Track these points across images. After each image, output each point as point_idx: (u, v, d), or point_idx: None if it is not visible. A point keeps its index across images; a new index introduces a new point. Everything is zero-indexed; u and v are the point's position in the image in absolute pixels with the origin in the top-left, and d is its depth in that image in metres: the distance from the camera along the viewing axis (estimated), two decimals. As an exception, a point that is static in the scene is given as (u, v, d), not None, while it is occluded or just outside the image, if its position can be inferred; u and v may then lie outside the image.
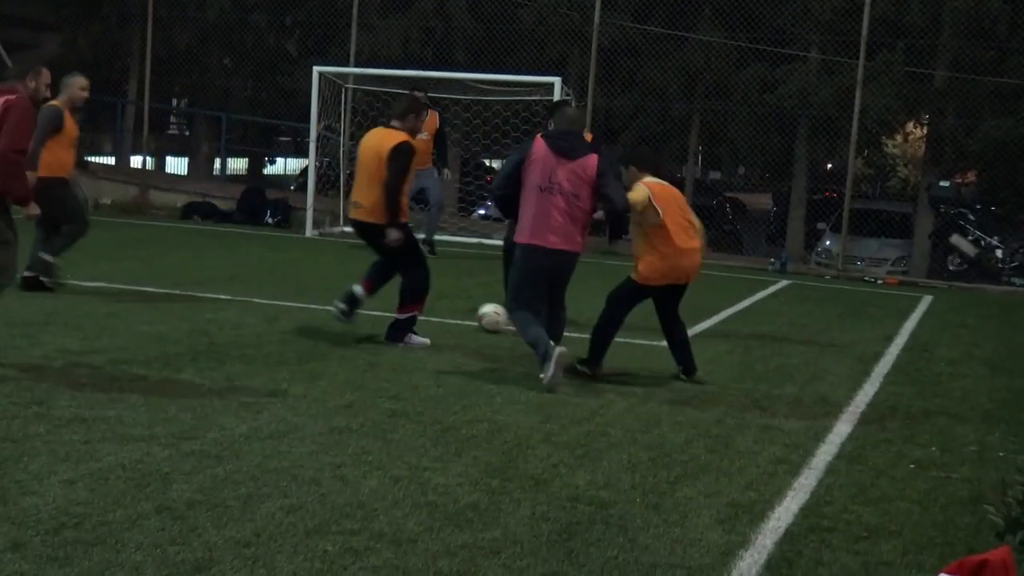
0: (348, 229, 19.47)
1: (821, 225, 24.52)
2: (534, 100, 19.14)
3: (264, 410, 7.01)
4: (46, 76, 8.42)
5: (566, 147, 8.43)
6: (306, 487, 5.57)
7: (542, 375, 8.15)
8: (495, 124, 20.79)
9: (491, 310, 10.42)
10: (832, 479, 6.45)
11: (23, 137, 7.66)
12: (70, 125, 11.12)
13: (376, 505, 5.39)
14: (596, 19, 19.92)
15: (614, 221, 8.87)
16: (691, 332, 11.07)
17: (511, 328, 9.44)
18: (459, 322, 10.81)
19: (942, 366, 10.46)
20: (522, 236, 8.46)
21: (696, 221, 8.94)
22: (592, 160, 8.42)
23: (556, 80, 17.91)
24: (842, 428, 7.71)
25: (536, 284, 8.55)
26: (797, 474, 6.49)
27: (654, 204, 8.55)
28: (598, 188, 8.41)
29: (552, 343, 8.22)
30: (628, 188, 8.70)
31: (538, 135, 8.69)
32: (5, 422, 6.33)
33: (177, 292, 11.49)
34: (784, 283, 16.65)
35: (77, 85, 11.22)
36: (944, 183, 22.02)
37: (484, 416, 7.28)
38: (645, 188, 8.63)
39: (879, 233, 22.25)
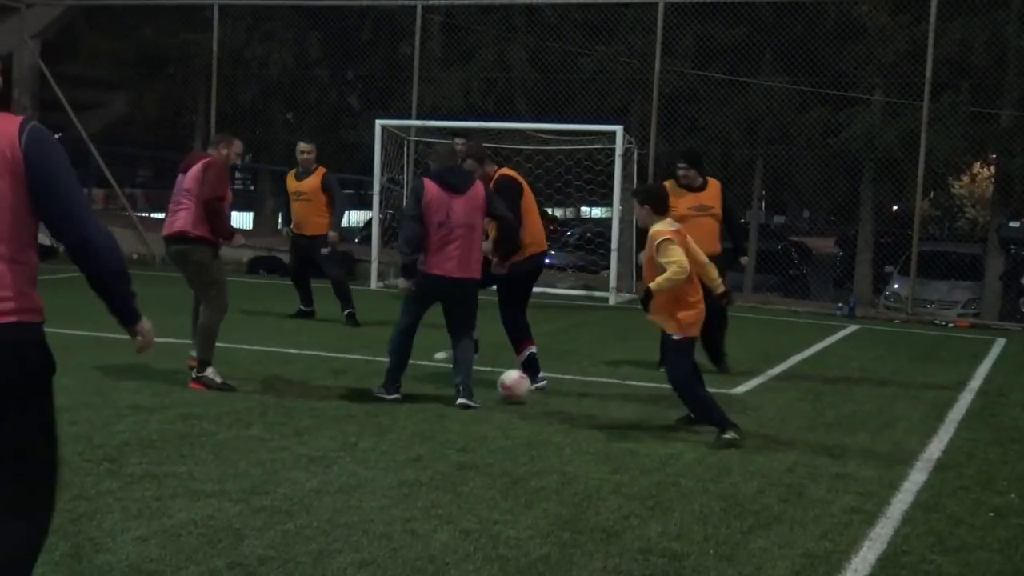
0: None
1: (889, 268, 24.26)
2: (596, 148, 19.16)
3: (334, 464, 7.02)
4: (238, 146, 9.93)
5: (455, 182, 9.15)
6: (377, 541, 5.56)
7: (377, 389, 9.22)
8: (557, 174, 20.85)
9: (516, 376, 9.60)
10: (909, 528, 6.32)
11: (219, 188, 9.43)
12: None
13: (447, 559, 5.35)
14: (657, 67, 19.92)
15: (509, 238, 9.54)
16: (761, 378, 11.04)
17: (537, 385, 9.77)
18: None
19: (1018, 411, 10.25)
20: (425, 266, 9.11)
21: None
22: (479, 189, 9.23)
23: (618, 128, 17.93)
24: (917, 476, 7.57)
25: (425, 307, 9.37)
26: (873, 524, 6.37)
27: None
28: (491, 213, 9.29)
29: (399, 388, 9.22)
30: (643, 227, 8.27)
31: (424, 177, 9.36)
32: (78, 479, 6.39)
33: (244, 347, 11.57)
34: (854, 327, 16.46)
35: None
36: (1014, 223, 21.73)
37: (553, 467, 7.23)
38: (678, 250, 7.96)
39: (949, 275, 21.95)
